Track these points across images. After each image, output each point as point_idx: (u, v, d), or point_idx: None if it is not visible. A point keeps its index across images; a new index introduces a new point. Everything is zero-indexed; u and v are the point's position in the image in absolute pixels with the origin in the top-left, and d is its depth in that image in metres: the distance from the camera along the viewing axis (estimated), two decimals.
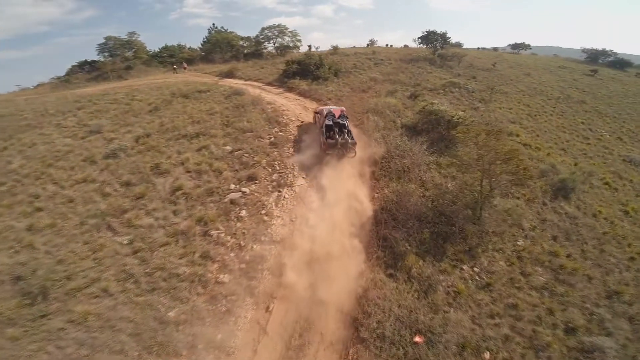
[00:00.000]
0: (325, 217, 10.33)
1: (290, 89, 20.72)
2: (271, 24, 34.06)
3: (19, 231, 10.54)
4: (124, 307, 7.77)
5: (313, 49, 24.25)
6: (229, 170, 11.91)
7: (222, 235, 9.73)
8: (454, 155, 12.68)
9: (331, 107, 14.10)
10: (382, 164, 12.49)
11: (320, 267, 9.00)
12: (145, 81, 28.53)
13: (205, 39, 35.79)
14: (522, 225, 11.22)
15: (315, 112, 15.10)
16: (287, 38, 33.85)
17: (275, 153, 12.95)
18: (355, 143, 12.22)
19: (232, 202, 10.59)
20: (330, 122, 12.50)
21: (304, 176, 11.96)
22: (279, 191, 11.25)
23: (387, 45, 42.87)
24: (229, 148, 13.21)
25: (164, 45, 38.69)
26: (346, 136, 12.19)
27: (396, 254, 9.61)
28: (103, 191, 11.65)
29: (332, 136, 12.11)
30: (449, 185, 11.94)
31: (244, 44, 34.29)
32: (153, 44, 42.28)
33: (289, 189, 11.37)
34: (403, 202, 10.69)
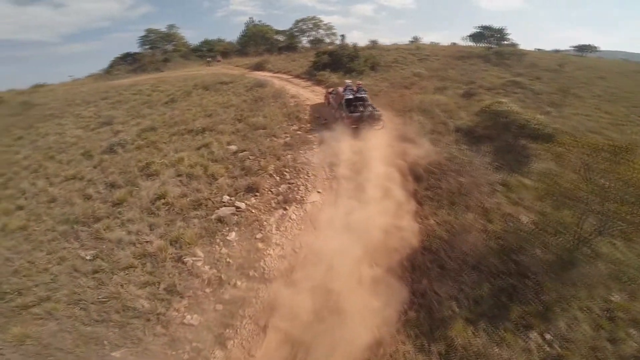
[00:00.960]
0: (342, 250, 7.43)
1: (319, 82, 17.90)
2: (305, 17, 31.44)
3: None
4: (67, 336, 6.09)
5: (350, 44, 21.19)
6: (226, 176, 9.41)
7: (199, 264, 7.24)
8: (532, 175, 9.04)
9: (348, 81, 13.02)
10: (429, 181, 9.17)
11: (321, 324, 6.18)
12: (178, 73, 27.46)
13: (242, 33, 34.16)
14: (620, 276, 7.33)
15: (329, 93, 13.98)
16: (321, 31, 31.07)
17: (289, 157, 10.22)
18: (382, 114, 11.32)
19: (220, 220, 8.06)
20: (351, 96, 11.79)
21: (320, 190, 9.07)
22: (285, 209, 8.52)
23: (432, 42, 38.01)
24: (233, 148, 10.75)
25: (204, 39, 37.88)
26: (370, 108, 11.43)
27: (436, 318, 6.42)
28: (85, 192, 9.81)
29: (354, 110, 11.42)
30: (524, 218, 8.29)
31: (279, 38, 32.07)
32: (199, 39, 42.13)
33: (298, 206, 8.59)
34: (456, 241, 7.40)
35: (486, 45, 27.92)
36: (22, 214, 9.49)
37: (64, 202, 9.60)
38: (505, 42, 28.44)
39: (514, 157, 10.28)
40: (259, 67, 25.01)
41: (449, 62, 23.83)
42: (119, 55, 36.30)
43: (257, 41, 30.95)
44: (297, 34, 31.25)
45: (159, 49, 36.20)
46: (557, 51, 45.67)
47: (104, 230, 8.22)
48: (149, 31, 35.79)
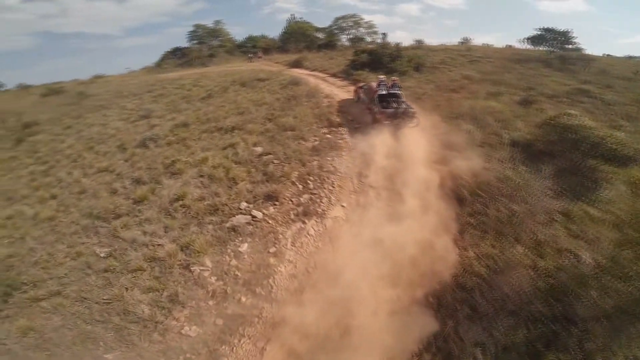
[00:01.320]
0: (361, 274, 6.51)
1: (355, 82, 16.77)
2: (345, 14, 30.20)
3: (25, 219, 9.43)
4: (67, 333, 6.12)
5: (392, 43, 19.69)
6: (247, 181, 8.82)
7: (206, 274, 6.75)
8: (600, 204, 7.33)
9: (382, 77, 12.40)
10: (474, 205, 7.79)
11: (324, 354, 5.44)
12: (221, 68, 27.87)
13: (284, 30, 33.90)
14: None
15: (358, 87, 13.53)
16: (361, 30, 29.69)
17: (315, 163, 9.38)
18: (416, 112, 10.62)
19: (233, 229, 7.45)
20: (385, 92, 11.30)
21: (345, 204, 8.12)
22: (303, 222, 7.72)
23: (484, 44, 34.44)
24: (259, 150, 10.15)
25: (248, 35, 38.32)
26: (404, 104, 10.91)
27: None
28: (112, 186, 9.84)
29: (388, 105, 10.89)
30: (584, 255, 6.66)
31: (318, 35, 31.26)
32: (246, 35, 42.83)
33: (318, 221, 7.75)
34: (497, 280, 6.09)
35: (548, 48, 24.66)
36: (54, 204, 9.77)
37: (92, 195, 9.71)
38: (570, 46, 24.89)
39: (579, 181, 8.43)
40: (296, 64, 24.45)
41: (505, 65, 21.27)
42: (169, 50, 37.98)
43: (297, 38, 30.45)
44: (336, 31, 30.22)
45: (206, 44, 37.23)
46: (630, 57, 39.51)
47: (121, 228, 8.10)
48: (197, 26, 36.94)
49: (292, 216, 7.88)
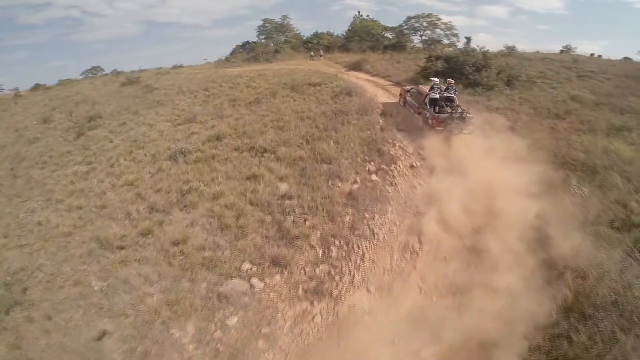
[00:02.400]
0: None
1: (401, 85, 13.88)
2: (419, 13, 26.04)
3: (48, 229, 9.10)
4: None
5: (477, 48, 15.61)
6: (257, 234, 7.00)
7: (185, 340, 5.35)
8: None
9: (435, 79, 11.22)
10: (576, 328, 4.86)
11: None
12: (281, 66, 26.61)
13: (348, 27, 31.16)
14: None
15: (405, 90, 12.45)
16: (438, 31, 25.34)
17: (347, 219, 7.20)
18: (472, 117, 9.79)
19: (224, 296, 5.75)
20: (437, 95, 10.36)
21: (372, 288, 5.82)
22: (311, 303, 5.80)
23: (592, 54, 26.54)
24: (283, 188, 8.28)
25: (315, 31, 36.53)
26: (460, 109, 10.05)
27: None
28: (128, 209, 8.87)
29: (441, 110, 10.13)
30: None
31: (386, 34, 27.83)
32: (314, 31, 41.03)
33: (331, 305, 5.64)
34: None
35: None
36: (76, 216, 9.27)
37: (108, 214, 8.91)
38: None
39: None
40: (356, 66, 21.89)
41: (627, 84, 15.68)
42: (239, 44, 38.23)
43: (361, 37, 27.51)
44: (407, 32, 26.40)
45: (273, 40, 36.52)
46: None
47: (119, 263, 7.11)
48: (265, 21, 36.28)
49: (300, 292, 5.94)
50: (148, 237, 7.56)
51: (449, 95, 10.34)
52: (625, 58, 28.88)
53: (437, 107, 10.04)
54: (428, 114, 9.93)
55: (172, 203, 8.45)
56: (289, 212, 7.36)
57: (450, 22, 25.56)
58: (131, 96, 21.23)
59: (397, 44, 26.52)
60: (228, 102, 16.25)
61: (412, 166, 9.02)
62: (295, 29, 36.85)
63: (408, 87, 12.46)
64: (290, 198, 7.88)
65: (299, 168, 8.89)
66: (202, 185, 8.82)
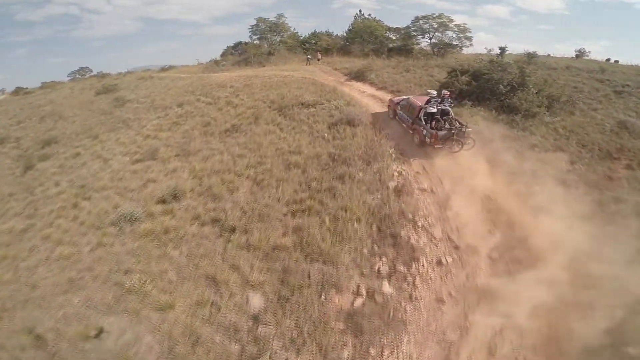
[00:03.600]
0: None
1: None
2: (429, 14, 22.20)
3: None
4: None
5: (511, 63, 11.73)
6: None
7: None
8: None
9: (432, 92, 9.50)
10: None
11: None
12: (273, 72, 22.85)
13: (349, 27, 27.26)
14: None
15: (395, 103, 10.58)
16: (450, 33, 21.57)
17: (346, 355, 3.97)
18: (471, 129, 8.59)
19: None
20: (434, 109, 8.83)
21: None
22: None
23: (608, 60, 22.44)
24: (256, 304, 5.08)
25: (312, 31, 32.58)
26: (457, 122, 8.76)
27: None
28: (58, 300, 5.67)
29: (439, 126, 8.78)
30: None
31: (390, 36, 24.09)
32: (314, 30, 36.29)
33: None
34: None
35: None
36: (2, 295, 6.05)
37: (38, 301, 5.70)
38: None
39: None
40: (359, 75, 18.27)
41: None
42: (231, 44, 34.36)
43: (363, 38, 23.73)
44: (414, 34, 22.62)
45: (267, 40, 32.58)
46: None
47: None
48: (259, 20, 32.23)
49: None
50: None
51: (445, 108, 9.04)
52: None
53: (434, 122, 8.84)
54: (425, 131, 8.69)
55: (109, 304, 5.22)
56: (264, 345, 4.17)
57: (464, 24, 21.77)
58: (99, 111, 17.71)
59: (403, 46, 22.79)
60: (201, 127, 12.78)
61: (439, 263, 5.78)
62: (291, 29, 32.86)
63: (398, 99, 10.75)
64: (266, 324, 4.65)
65: (279, 268, 5.58)
66: (148, 282, 5.55)
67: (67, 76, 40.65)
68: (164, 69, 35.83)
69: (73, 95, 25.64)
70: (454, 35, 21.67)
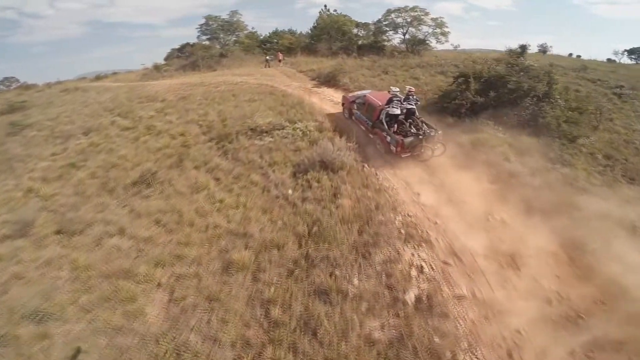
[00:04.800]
0: None
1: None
2: (402, 6, 18.81)
3: None
4: None
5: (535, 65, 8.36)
6: None
7: None
8: None
9: (394, 89, 7.41)
10: None
11: None
12: (225, 77, 17.97)
13: (314, 24, 23.01)
14: None
15: (350, 101, 8.61)
16: (425, 29, 18.29)
17: None
18: (441, 133, 6.95)
19: None
20: (398, 111, 7.11)
21: None
22: None
23: (571, 55, 20.30)
24: None
25: (273, 30, 27.89)
26: (425, 125, 7.11)
27: None
28: None
29: (404, 130, 7.00)
30: None
31: (359, 33, 20.34)
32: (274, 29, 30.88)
33: None
34: None
35: None
36: None
37: None
38: None
39: None
40: (329, 79, 14.33)
41: None
42: (177, 47, 28.64)
43: (330, 35, 19.71)
44: (386, 29, 19.02)
45: (219, 40, 27.29)
46: None
47: None
48: (209, 18, 26.82)
49: None
50: None
51: (410, 106, 7.25)
52: (609, 60, 24.25)
53: (397, 125, 7.14)
54: (389, 138, 6.92)
55: None
56: None
57: (441, 17, 18.49)
58: None
59: (374, 43, 19.09)
60: (102, 173, 8.11)
61: None
62: (249, 27, 27.87)
63: (353, 96, 9.02)
64: None
65: None
66: None
67: None
68: (99, 77, 29.32)
69: None
70: (429, 30, 18.36)
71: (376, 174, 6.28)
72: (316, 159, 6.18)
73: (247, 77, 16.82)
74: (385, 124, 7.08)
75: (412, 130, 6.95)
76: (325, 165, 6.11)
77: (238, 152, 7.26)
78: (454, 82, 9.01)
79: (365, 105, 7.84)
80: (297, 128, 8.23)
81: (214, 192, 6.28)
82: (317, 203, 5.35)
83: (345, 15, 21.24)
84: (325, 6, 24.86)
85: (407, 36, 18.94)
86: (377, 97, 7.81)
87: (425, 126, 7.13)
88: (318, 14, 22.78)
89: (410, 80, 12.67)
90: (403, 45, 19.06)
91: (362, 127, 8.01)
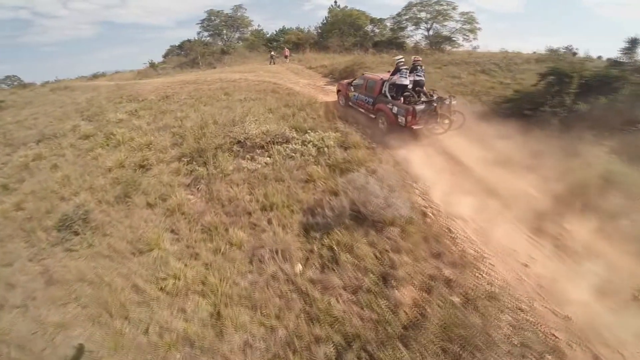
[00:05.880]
0: None
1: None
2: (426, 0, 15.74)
3: None
4: None
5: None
6: None
7: None
8: None
9: (399, 57, 6.29)
10: None
11: None
12: (223, 74, 15.05)
13: (324, 20, 20.09)
14: None
15: (347, 84, 7.52)
16: (451, 24, 15.25)
17: None
18: (457, 102, 5.88)
19: None
20: (407, 80, 5.98)
21: None
22: None
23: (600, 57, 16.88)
24: None
25: (281, 27, 25.10)
26: (435, 94, 6.07)
27: None
28: None
29: (410, 99, 5.82)
30: None
31: (375, 29, 17.34)
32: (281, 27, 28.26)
33: None
34: None
35: None
36: None
37: None
38: None
39: None
40: (347, 76, 11.37)
41: None
42: (176, 44, 25.94)
43: (343, 30, 16.75)
44: (405, 24, 16.00)
45: (222, 37, 24.54)
46: None
47: None
48: (211, 13, 24.10)
49: None
50: None
51: (419, 78, 6.04)
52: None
53: (404, 97, 5.84)
54: (395, 109, 5.64)
55: None
56: None
57: (471, 12, 15.43)
58: None
59: (393, 39, 16.10)
60: (32, 205, 5.34)
61: None
62: (254, 24, 25.08)
63: (347, 81, 7.72)
64: None
65: None
66: None
67: None
68: (95, 76, 26.98)
69: None
70: (456, 27, 15.30)
71: (449, 229, 3.37)
72: (346, 206, 3.32)
73: (248, 73, 13.98)
74: (388, 95, 6.08)
75: (422, 99, 5.84)
76: (363, 218, 3.26)
77: (214, 182, 4.42)
78: (540, 81, 6.04)
79: (364, 83, 6.98)
80: (309, 141, 5.39)
81: (167, 256, 3.45)
82: (351, 294, 2.52)
83: (360, 10, 18.28)
84: (335, 1, 21.94)
85: (430, 32, 15.94)
86: (376, 76, 6.94)
87: (434, 95, 6.03)
88: (327, 12, 19.89)
89: (449, 79, 9.75)
90: (425, 42, 16.07)
91: (361, 109, 7.03)
